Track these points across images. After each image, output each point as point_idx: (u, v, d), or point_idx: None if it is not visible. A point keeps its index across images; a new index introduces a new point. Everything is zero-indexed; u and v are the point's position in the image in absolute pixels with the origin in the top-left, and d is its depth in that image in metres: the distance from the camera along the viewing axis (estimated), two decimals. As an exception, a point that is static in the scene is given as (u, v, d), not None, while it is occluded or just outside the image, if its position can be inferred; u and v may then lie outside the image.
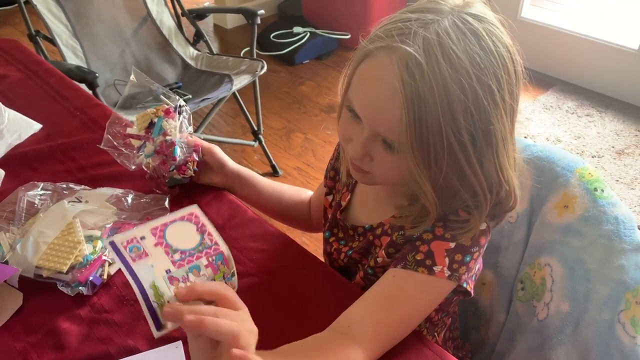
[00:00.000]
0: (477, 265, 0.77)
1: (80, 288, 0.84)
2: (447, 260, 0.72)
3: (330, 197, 0.96)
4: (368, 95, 0.70)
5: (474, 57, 0.64)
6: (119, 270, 0.88)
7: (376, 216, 0.84)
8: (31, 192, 0.99)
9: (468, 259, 0.73)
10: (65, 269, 0.85)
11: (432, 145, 0.65)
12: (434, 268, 0.72)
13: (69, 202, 0.95)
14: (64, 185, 1.03)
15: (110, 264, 0.88)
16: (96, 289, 0.86)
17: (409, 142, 0.66)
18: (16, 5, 2.08)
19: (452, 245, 0.73)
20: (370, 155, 0.73)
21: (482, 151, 0.68)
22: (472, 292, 0.76)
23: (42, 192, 1.00)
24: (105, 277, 0.87)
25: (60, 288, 0.85)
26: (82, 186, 1.03)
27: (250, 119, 2.42)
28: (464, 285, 0.74)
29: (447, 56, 0.63)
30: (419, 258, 0.72)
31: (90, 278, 0.85)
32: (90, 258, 0.87)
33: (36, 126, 1.22)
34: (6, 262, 0.87)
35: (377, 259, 0.82)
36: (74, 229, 0.90)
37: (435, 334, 0.91)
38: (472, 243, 0.73)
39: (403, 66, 0.64)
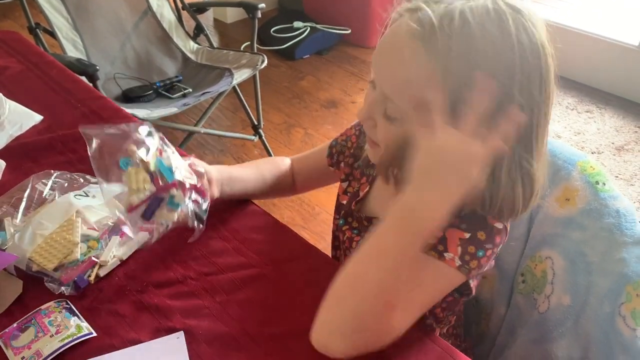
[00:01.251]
0: (487, 265, 0.75)
1: (62, 288, 0.84)
2: (459, 249, 0.71)
3: (345, 184, 0.96)
4: (382, 50, 0.71)
5: (488, 35, 0.63)
6: (114, 270, 0.88)
7: (384, 208, 0.84)
8: (42, 181, 0.99)
9: (481, 254, 0.71)
10: (52, 267, 0.84)
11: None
12: (445, 254, 0.70)
13: (76, 195, 0.95)
14: (79, 176, 1.02)
15: (100, 266, 0.87)
16: (80, 290, 0.85)
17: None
18: (17, -3, 2.07)
19: (467, 236, 0.71)
20: (374, 120, 0.73)
21: None
22: (473, 290, 0.75)
23: (56, 180, 1.00)
24: (92, 278, 0.86)
25: (47, 284, 0.85)
26: (97, 179, 1.03)
27: (251, 113, 2.42)
28: (470, 282, 0.73)
29: (463, 20, 0.63)
30: (431, 242, 0.71)
31: (75, 279, 0.84)
32: (82, 258, 0.86)
33: (37, 117, 1.22)
34: (4, 250, 0.87)
35: None
36: (73, 226, 0.89)
37: (438, 329, 0.90)
38: (487, 239, 0.72)
39: (416, 22, 0.64)
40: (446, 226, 0.71)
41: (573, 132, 2.58)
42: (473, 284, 0.76)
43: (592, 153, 2.44)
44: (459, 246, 0.71)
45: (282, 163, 1.05)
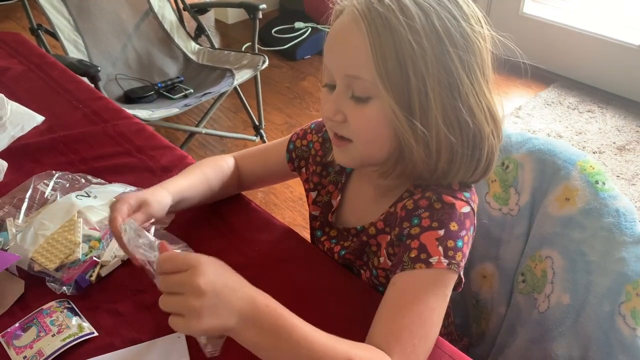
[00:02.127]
0: (468, 251, 0.75)
1: (64, 288, 0.84)
2: (440, 249, 0.71)
3: (314, 194, 0.94)
4: (338, 41, 0.72)
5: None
6: (115, 269, 0.89)
7: (367, 216, 0.84)
8: (44, 182, 1.00)
9: (460, 244, 0.72)
10: (53, 267, 0.85)
11: (403, 74, 0.66)
12: (430, 260, 0.70)
13: (77, 195, 0.95)
14: (80, 177, 1.03)
15: (102, 266, 0.87)
16: (82, 290, 0.85)
17: (378, 75, 0.67)
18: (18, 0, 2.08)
19: (442, 232, 0.71)
20: (343, 114, 0.73)
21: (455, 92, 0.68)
22: (463, 279, 0.74)
23: (58, 181, 1.00)
24: (94, 278, 0.86)
25: (49, 284, 0.85)
26: (99, 179, 1.04)
27: (252, 113, 2.42)
28: (461, 273, 0.73)
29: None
30: (413, 255, 0.71)
31: (76, 279, 0.84)
32: (83, 258, 0.87)
33: (39, 118, 1.23)
34: (6, 250, 0.88)
35: (380, 259, 0.81)
36: (74, 227, 0.90)
37: None
38: (459, 227, 0.72)
39: (364, 3, 0.67)
40: (419, 233, 0.72)
41: (574, 131, 2.58)
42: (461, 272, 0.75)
43: (594, 153, 2.44)
44: (439, 246, 0.71)
45: (226, 165, 0.98)
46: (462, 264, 0.72)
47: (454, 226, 0.72)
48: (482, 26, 0.71)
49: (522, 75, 2.96)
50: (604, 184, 0.86)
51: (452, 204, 0.73)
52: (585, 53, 2.87)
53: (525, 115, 2.68)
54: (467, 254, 0.74)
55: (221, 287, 0.61)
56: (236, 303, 0.61)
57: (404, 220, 0.75)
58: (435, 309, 0.70)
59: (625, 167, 2.36)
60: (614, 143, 2.50)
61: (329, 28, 0.74)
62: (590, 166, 0.88)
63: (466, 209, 0.74)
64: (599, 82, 2.86)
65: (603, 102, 2.78)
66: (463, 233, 0.72)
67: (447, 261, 0.70)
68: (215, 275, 0.61)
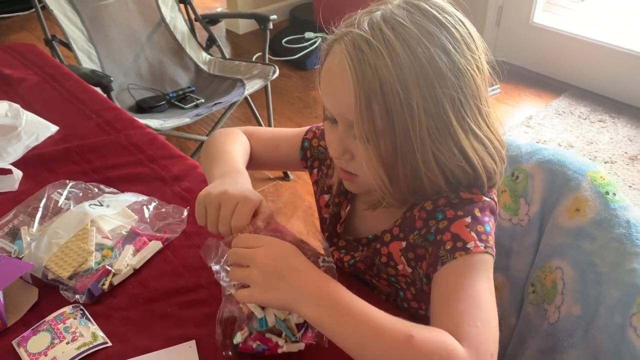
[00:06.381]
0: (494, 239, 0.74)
1: (77, 296, 0.85)
2: (473, 234, 0.70)
3: (327, 197, 0.94)
4: (329, 85, 0.73)
5: (420, 25, 0.67)
6: (127, 278, 0.90)
7: (379, 225, 0.84)
8: (58, 191, 1.01)
9: (488, 228, 0.72)
10: (67, 275, 0.86)
11: (390, 123, 0.67)
12: (468, 246, 0.69)
13: (90, 204, 0.97)
14: (93, 186, 1.04)
15: (114, 275, 0.88)
16: (94, 298, 0.86)
17: (360, 114, 0.67)
18: (33, 10, 2.12)
19: (469, 220, 0.72)
20: (350, 153, 0.74)
21: (441, 123, 0.68)
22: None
23: (71, 190, 1.02)
24: (106, 287, 0.87)
25: (62, 292, 0.86)
26: (111, 189, 1.05)
27: (262, 123, 2.43)
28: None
29: (391, 26, 0.67)
30: (449, 247, 0.70)
31: (89, 287, 0.85)
32: (96, 267, 0.88)
33: (53, 128, 1.25)
34: (20, 259, 0.89)
35: (398, 267, 0.81)
36: (87, 235, 0.91)
37: None
38: (482, 213, 0.73)
39: (350, 44, 0.68)
40: (447, 226, 0.72)
41: (586, 141, 2.56)
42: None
43: (605, 163, 2.42)
44: (470, 231, 0.71)
45: (247, 144, 0.98)
46: (493, 247, 0.72)
47: (477, 212, 0.73)
48: (476, 47, 0.70)
49: (532, 85, 2.96)
50: (614, 194, 0.86)
51: (469, 198, 0.74)
52: (596, 62, 2.86)
53: (536, 125, 2.67)
54: (493, 238, 0.73)
55: (285, 266, 0.66)
56: (298, 283, 0.66)
57: (428, 219, 0.75)
58: (485, 290, 0.68)
59: (637, 177, 2.34)
60: (626, 153, 2.49)
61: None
62: (601, 177, 0.88)
63: (485, 199, 0.75)
64: (610, 92, 2.85)
65: (614, 111, 2.77)
66: (487, 219, 0.73)
67: (482, 245, 0.70)
68: (281, 255, 0.68)
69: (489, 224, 0.73)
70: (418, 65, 0.65)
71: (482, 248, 0.70)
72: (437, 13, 0.69)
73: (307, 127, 0.98)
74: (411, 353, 0.60)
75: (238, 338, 0.73)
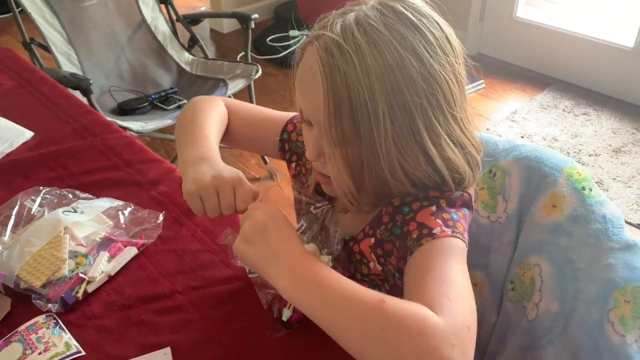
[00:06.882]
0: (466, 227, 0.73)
1: (50, 305, 0.83)
2: (439, 220, 0.70)
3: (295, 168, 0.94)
4: (303, 87, 0.72)
5: (392, 27, 0.65)
6: (102, 285, 0.88)
7: (358, 225, 0.83)
8: (31, 198, 1.00)
9: (455, 216, 0.71)
10: (39, 284, 0.85)
11: (360, 120, 0.65)
12: (434, 231, 0.68)
13: (64, 211, 0.95)
14: (68, 192, 1.03)
15: (88, 282, 0.87)
16: (68, 307, 0.84)
17: (329, 119, 0.66)
18: (12, 14, 2.09)
19: (434, 208, 0.72)
20: (324, 155, 0.73)
21: (405, 127, 0.67)
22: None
23: (45, 197, 1.00)
24: (80, 295, 0.86)
25: (35, 302, 0.84)
26: (86, 194, 1.04)
27: (247, 123, 2.42)
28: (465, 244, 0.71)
29: (363, 29, 0.65)
30: (415, 236, 0.69)
31: (62, 295, 0.84)
32: (70, 275, 0.86)
33: (27, 134, 1.23)
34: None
35: (369, 264, 0.81)
36: (61, 243, 0.90)
37: None
38: (449, 204, 0.73)
39: (322, 47, 0.67)
40: (413, 216, 0.72)
41: (570, 135, 2.57)
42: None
43: (590, 156, 2.43)
44: (436, 219, 0.70)
45: (225, 118, 0.96)
46: (466, 236, 0.71)
47: (443, 202, 0.73)
48: (452, 50, 0.69)
49: (516, 79, 2.97)
50: (590, 190, 0.86)
51: (437, 196, 0.74)
52: (579, 56, 2.87)
53: (520, 119, 2.68)
54: (466, 229, 0.72)
55: (273, 228, 0.68)
56: (277, 246, 0.67)
57: (395, 214, 0.75)
58: (457, 271, 0.65)
59: (621, 169, 2.35)
60: (610, 145, 2.50)
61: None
62: (577, 172, 0.88)
63: (457, 193, 0.74)
64: (594, 85, 2.86)
65: (598, 104, 2.78)
66: (454, 210, 0.72)
67: (449, 230, 0.69)
68: (274, 217, 0.69)
69: (457, 213, 0.72)
70: (387, 72, 0.64)
71: (450, 232, 0.68)
72: (411, 15, 0.67)
73: (291, 115, 0.96)
74: (383, 317, 0.57)
75: (287, 313, 0.77)
